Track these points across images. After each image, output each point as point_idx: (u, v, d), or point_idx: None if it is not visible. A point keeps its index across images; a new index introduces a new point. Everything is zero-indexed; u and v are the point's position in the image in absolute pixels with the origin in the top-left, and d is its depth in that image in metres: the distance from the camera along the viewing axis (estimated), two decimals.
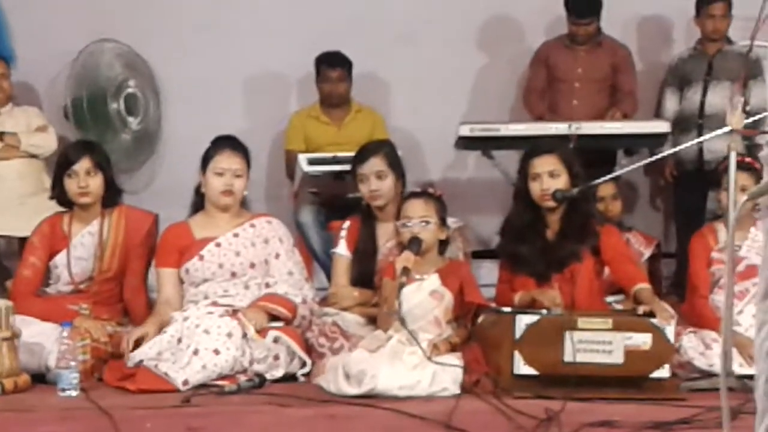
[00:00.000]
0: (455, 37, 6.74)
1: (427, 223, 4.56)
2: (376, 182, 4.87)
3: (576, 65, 6.37)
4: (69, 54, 6.35)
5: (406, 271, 4.36)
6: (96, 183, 4.77)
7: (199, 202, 4.79)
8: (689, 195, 6.15)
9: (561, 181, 4.60)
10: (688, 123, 6.16)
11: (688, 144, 5.43)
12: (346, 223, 4.96)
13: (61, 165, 4.83)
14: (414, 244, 4.49)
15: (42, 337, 4.44)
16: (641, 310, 4.27)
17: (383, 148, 5.03)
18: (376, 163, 4.90)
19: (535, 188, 4.61)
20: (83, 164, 4.75)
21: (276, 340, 4.43)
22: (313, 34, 6.49)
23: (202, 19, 6.64)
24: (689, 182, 6.17)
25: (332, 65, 6.29)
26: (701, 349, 4.46)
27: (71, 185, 4.76)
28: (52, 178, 4.93)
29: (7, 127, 6.00)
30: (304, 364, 4.46)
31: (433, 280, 4.51)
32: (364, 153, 4.99)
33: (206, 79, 6.59)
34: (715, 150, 5.75)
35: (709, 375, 4.34)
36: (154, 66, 6.63)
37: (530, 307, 4.41)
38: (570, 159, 4.67)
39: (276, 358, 4.40)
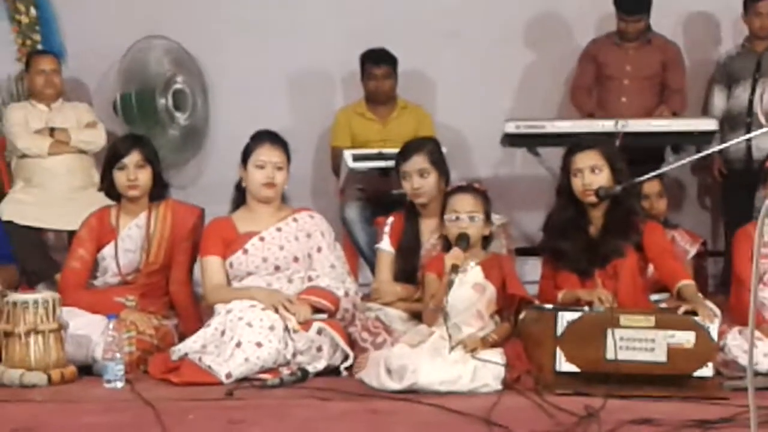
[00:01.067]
0: (502, 34, 6.74)
1: (476, 218, 4.57)
2: (418, 180, 4.86)
3: (625, 62, 6.35)
4: (119, 50, 6.44)
5: (455, 268, 4.35)
6: (145, 176, 4.82)
7: (239, 198, 4.81)
8: (737, 193, 6.08)
9: (603, 177, 4.56)
10: (736, 121, 6.12)
11: (735, 141, 5.38)
12: (390, 219, 4.96)
13: (110, 158, 4.87)
14: (462, 240, 4.49)
15: (89, 329, 4.49)
16: (683, 309, 4.23)
17: (426, 145, 4.99)
18: (418, 161, 4.88)
19: (577, 184, 4.58)
20: (133, 157, 4.80)
21: (320, 332, 4.43)
22: (359, 31, 6.51)
23: (249, 17, 6.69)
24: (738, 181, 6.11)
25: (377, 62, 6.30)
26: (746, 348, 4.41)
27: (121, 178, 4.81)
28: (101, 171, 4.97)
29: (58, 123, 6.10)
30: (346, 357, 4.46)
31: (475, 273, 4.50)
32: (407, 151, 4.97)
33: (253, 76, 6.65)
34: (764, 148, 5.71)
35: (754, 374, 4.28)
36: (201, 63, 6.69)
37: (574, 305, 4.39)
38: (612, 154, 4.63)
39: (319, 349, 4.42)
